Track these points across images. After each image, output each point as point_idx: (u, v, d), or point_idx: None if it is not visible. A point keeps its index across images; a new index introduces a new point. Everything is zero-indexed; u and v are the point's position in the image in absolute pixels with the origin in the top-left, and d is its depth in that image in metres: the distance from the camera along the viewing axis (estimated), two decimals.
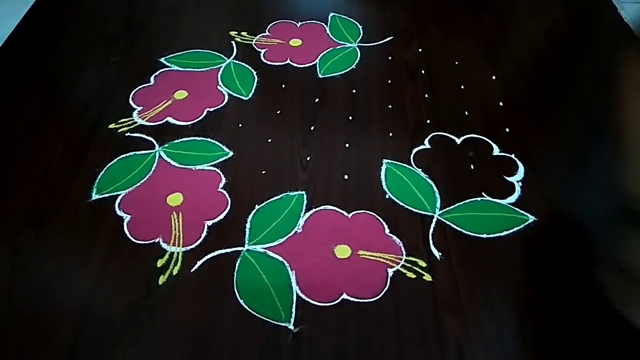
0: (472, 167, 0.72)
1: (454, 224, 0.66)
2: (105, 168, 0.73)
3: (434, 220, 0.67)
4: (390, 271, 0.62)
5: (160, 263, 0.63)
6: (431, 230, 0.66)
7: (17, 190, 0.70)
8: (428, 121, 0.79)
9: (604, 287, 0.56)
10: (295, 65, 0.89)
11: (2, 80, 0.87)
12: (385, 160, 0.74)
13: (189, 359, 0.55)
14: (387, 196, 0.69)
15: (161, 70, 0.88)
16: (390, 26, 0.97)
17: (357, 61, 0.90)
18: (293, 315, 0.58)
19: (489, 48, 0.92)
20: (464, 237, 0.65)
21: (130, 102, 0.83)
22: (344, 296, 0.59)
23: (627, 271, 0.52)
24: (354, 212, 0.68)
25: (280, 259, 0.63)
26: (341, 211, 0.68)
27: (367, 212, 0.68)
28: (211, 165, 0.73)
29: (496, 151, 0.75)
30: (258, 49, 0.92)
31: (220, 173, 0.72)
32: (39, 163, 0.73)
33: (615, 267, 0.54)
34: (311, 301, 0.59)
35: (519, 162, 0.73)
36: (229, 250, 0.64)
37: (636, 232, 0.51)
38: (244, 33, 0.95)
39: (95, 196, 0.69)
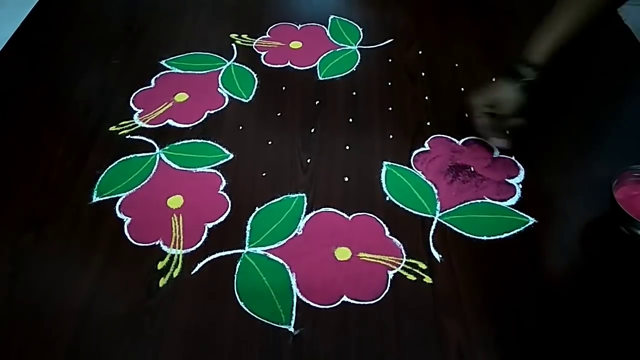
0: (472, 169, 0.72)
1: (454, 226, 0.66)
2: (106, 170, 0.73)
3: (434, 222, 0.67)
4: (391, 273, 0.62)
5: (160, 265, 0.63)
6: (431, 232, 0.66)
7: (18, 193, 0.70)
8: (428, 123, 0.79)
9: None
10: (295, 67, 0.89)
11: (2, 83, 0.87)
12: (385, 162, 0.74)
13: None
14: (387, 198, 0.69)
15: (162, 72, 0.89)
16: (391, 28, 0.97)
17: (357, 63, 0.90)
18: (293, 317, 0.58)
19: (489, 50, 0.92)
20: (464, 239, 0.65)
21: (131, 104, 0.83)
22: (344, 298, 0.59)
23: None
24: (354, 214, 0.68)
25: (281, 261, 0.63)
26: (341, 213, 0.68)
27: (368, 214, 0.68)
28: (211, 168, 0.74)
29: (496, 153, 0.75)
30: (258, 52, 0.92)
31: (221, 175, 0.72)
32: (40, 165, 0.74)
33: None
34: (311, 303, 0.59)
35: (519, 164, 0.73)
36: (229, 252, 0.64)
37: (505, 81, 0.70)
38: (244, 35, 0.96)
39: (95, 199, 0.69)
